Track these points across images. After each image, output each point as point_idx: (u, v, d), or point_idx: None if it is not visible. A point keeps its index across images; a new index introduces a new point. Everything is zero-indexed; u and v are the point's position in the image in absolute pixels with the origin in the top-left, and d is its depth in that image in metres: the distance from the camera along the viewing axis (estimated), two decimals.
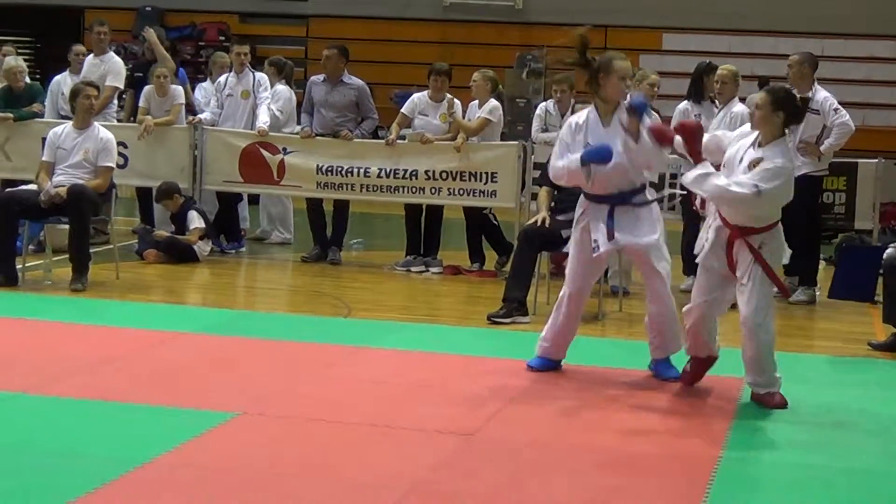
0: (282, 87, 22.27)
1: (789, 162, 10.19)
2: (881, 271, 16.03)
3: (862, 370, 14.26)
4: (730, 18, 29.98)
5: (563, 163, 11.57)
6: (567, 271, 12.30)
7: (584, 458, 10.52)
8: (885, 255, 15.82)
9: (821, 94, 17.84)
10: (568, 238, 15.57)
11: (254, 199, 23.54)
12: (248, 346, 14.21)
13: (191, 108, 21.95)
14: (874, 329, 15.74)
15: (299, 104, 22.12)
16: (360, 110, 20.58)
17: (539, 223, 16.53)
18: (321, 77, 20.95)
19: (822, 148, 17.71)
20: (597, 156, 11.15)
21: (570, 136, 11.57)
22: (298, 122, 21.26)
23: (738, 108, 17.71)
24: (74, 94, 18.42)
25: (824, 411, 12.15)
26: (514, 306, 16.20)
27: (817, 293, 18.38)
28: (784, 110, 9.77)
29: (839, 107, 17.81)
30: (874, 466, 10.59)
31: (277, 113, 21.17)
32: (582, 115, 11.64)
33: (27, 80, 22.14)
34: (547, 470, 9.88)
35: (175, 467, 9.29)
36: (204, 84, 22.63)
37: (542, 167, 17.03)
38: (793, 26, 28.47)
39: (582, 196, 12.00)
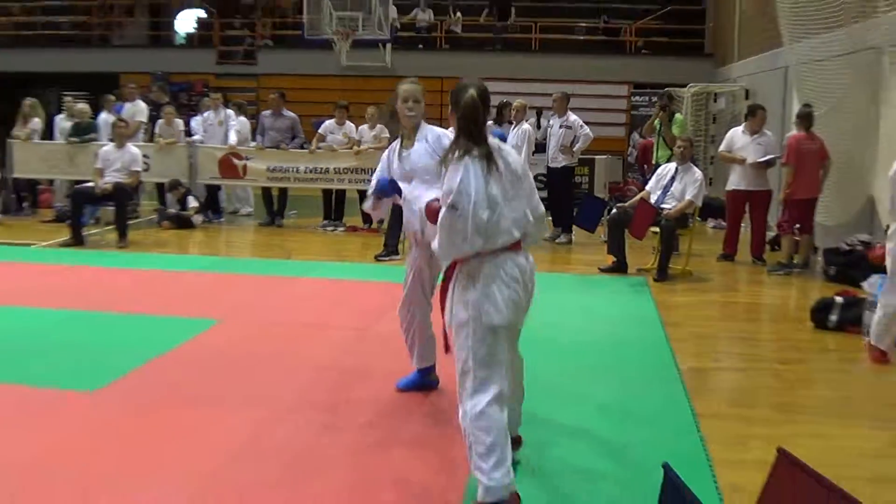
0: (242, 119, 22.96)
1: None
2: (606, 223, 17.27)
3: (593, 284, 15.34)
4: (517, 72, 31.28)
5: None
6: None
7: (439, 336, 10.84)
8: (610, 214, 17.17)
9: (572, 117, 19.46)
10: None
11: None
12: (226, 279, 15.54)
13: (188, 133, 22.72)
14: (605, 259, 16.61)
15: (253, 129, 22.98)
16: (294, 132, 21.77)
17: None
18: (269, 112, 21.98)
19: (574, 149, 19.28)
20: (379, 189, 8.91)
21: (386, 159, 9.15)
22: (253, 140, 22.32)
23: (525, 126, 19.15)
24: (114, 126, 19.93)
25: (572, 304, 13.63)
26: (391, 250, 17.60)
27: (573, 238, 19.55)
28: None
29: (584, 124, 19.28)
30: (601, 337, 11.82)
31: (236, 135, 21.86)
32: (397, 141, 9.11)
33: (88, 118, 22.59)
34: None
35: (185, 354, 10.67)
36: (196, 118, 23.11)
37: None
38: (555, 76, 29.39)
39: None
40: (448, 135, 8.20)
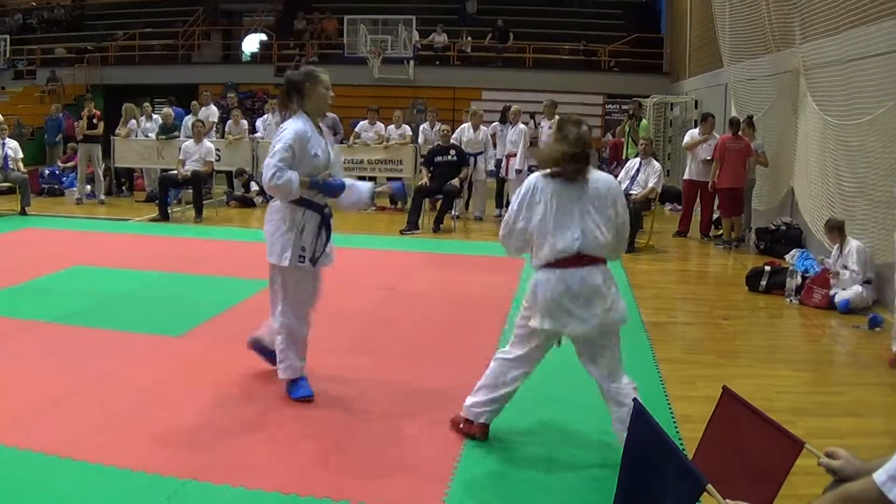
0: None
1: None
2: None
3: None
4: (514, 83, 31.21)
5: (289, 175, 7.09)
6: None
7: (454, 294, 12.02)
8: None
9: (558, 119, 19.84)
10: (437, 195, 17.90)
11: None
12: None
13: (251, 131, 22.61)
14: None
15: None
16: (335, 129, 20.94)
17: (424, 184, 17.87)
18: None
19: None
20: (330, 188, 7.47)
21: (300, 145, 7.13)
22: None
23: (522, 126, 19.27)
24: (193, 126, 20.19)
25: None
26: (412, 226, 17.53)
27: None
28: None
29: None
30: None
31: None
32: (306, 125, 7.26)
33: (173, 120, 22.69)
34: (437, 305, 11.34)
35: (250, 306, 10.83)
36: (259, 119, 23.01)
37: (424, 157, 18.72)
38: (544, 87, 29.19)
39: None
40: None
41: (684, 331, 10.58)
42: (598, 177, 6.19)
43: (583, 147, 6.04)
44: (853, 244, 11.99)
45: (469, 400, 6.67)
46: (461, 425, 6.72)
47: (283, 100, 7.59)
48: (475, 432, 6.63)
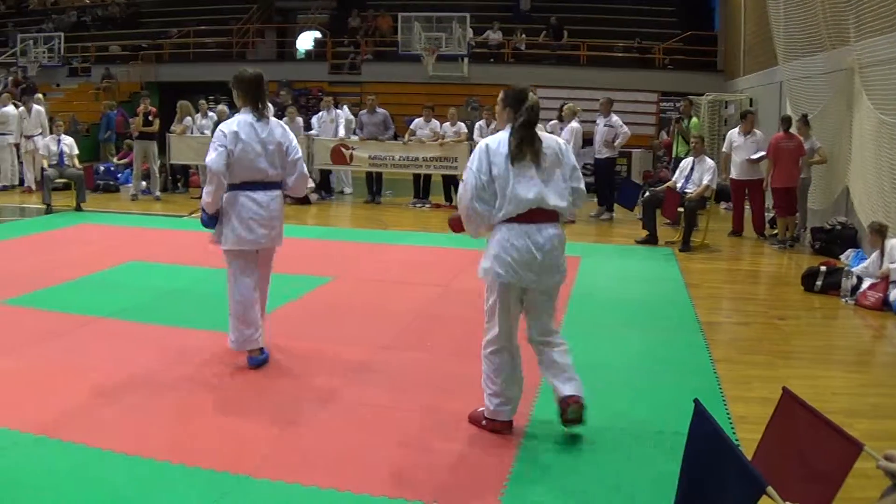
0: (351, 117, 22.77)
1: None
2: (641, 203, 17.31)
3: (630, 253, 15.37)
4: (568, 81, 30.88)
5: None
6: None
7: None
8: (644, 196, 17.23)
9: (615, 118, 19.41)
10: None
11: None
12: (337, 245, 15.64)
13: (307, 128, 22.60)
14: (640, 232, 16.52)
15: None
16: (386, 125, 21.68)
17: None
18: (365, 111, 22.14)
19: (615, 144, 19.25)
20: None
21: (227, 134, 7.99)
22: (355, 134, 22.17)
23: (574, 124, 19.12)
24: None
25: (612, 269, 13.76)
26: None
27: (614, 216, 19.58)
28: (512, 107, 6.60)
29: (623, 124, 19.30)
30: (637, 296, 12.01)
31: (345, 129, 22.14)
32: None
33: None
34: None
35: (309, 302, 11.07)
36: (315, 116, 23.03)
37: None
38: (598, 85, 29.05)
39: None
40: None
41: (740, 331, 10.51)
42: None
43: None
44: (892, 241, 12.06)
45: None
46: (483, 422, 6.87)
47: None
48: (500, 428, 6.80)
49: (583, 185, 6.87)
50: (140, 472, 5.88)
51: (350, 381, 7.97)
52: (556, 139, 6.81)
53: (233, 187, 8.23)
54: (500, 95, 6.82)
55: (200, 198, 8.61)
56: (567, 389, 6.68)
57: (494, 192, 6.50)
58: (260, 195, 8.32)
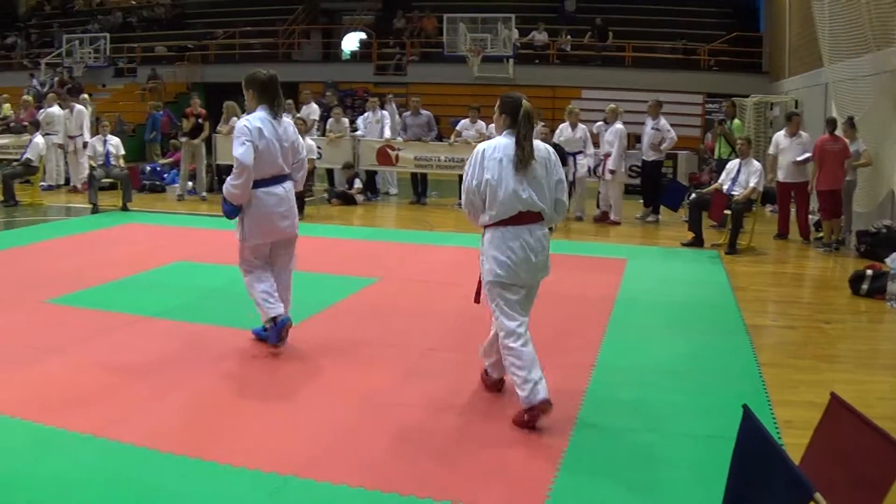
0: (396, 119, 23.11)
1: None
2: (687, 205, 17.53)
3: (675, 255, 15.32)
4: (613, 82, 30.90)
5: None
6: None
7: (554, 294, 12.72)
8: (690, 198, 17.40)
9: (662, 121, 19.28)
10: None
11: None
12: (383, 245, 15.60)
13: (352, 129, 22.79)
14: (686, 235, 16.58)
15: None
16: (429, 126, 21.86)
17: None
18: (409, 112, 22.32)
19: (661, 147, 19.18)
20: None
21: (252, 130, 8.35)
22: (399, 136, 22.39)
23: (619, 125, 19.00)
24: (294, 124, 20.72)
25: (658, 271, 13.77)
26: None
27: (659, 218, 19.50)
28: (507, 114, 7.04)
29: (670, 128, 19.20)
30: (683, 298, 11.96)
31: (390, 131, 22.31)
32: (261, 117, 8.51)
33: None
34: (535, 305, 11.85)
35: (354, 302, 11.07)
36: (360, 117, 23.15)
37: None
38: (643, 86, 28.99)
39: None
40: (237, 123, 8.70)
41: (786, 334, 10.46)
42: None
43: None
44: None
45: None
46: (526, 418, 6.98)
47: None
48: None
49: (565, 198, 7.28)
50: (187, 471, 5.94)
51: (394, 383, 7.99)
52: (548, 148, 7.25)
53: (253, 184, 8.61)
54: (498, 103, 7.21)
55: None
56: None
57: (486, 194, 6.91)
58: (278, 188, 8.72)
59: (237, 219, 8.82)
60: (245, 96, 8.82)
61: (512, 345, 7.00)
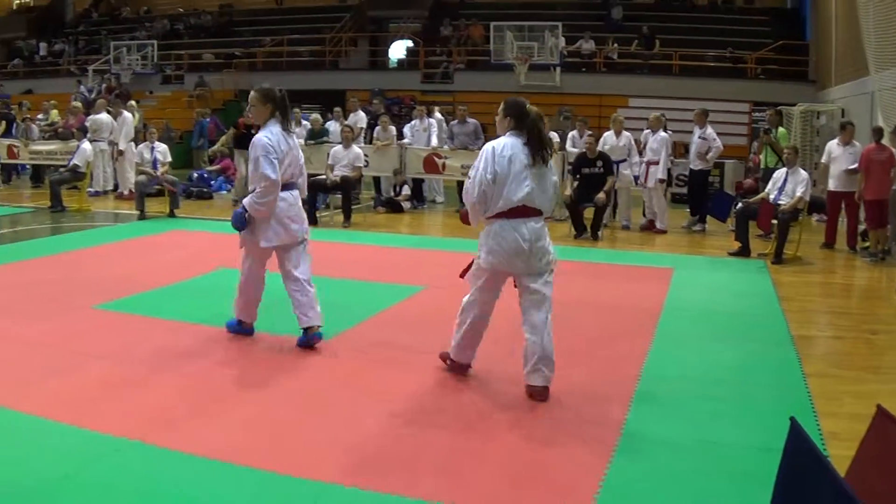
0: (444, 126, 23.26)
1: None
2: (734, 215, 17.36)
3: (722, 265, 15.21)
4: (661, 90, 30.83)
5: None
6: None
7: (602, 303, 11.25)
8: (738, 206, 17.16)
9: (709, 130, 19.12)
10: (584, 203, 17.75)
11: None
12: (429, 254, 15.76)
13: (399, 137, 22.77)
14: (732, 244, 16.47)
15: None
16: (476, 135, 21.86)
17: (570, 196, 17.79)
18: (456, 121, 22.44)
19: (708, 157, 19.02)
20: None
21: (276, 146, 9.01)
22: (445, 144, 22.46)
23: (662, 134, 18.98)
24: (342, 131, 20.29)
25: (705, 280, 13.72)
26: (582, 232, 17.84)
27: (706, 227, 19.39)
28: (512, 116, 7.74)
29: (716, 137, 19.02)
30: (729, 307, 11.94)
31: (437, 139, 22.46)
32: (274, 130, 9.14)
33: (320, 126, 23.36)
34: (584, 314, 10.99)
35: (401, 311, 11.12)
36: (407, 125, 23.24)
37: (571, 164, 18.81)
38: (690, 95, 29.24)
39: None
40: (256, 139, 9.24)
41: (832, 345, 10.44)
42: None
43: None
44: None
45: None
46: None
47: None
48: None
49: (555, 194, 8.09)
50: (232, 478, 5.96)
51: (442, 393, 7.99)
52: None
53: None
54: (501, 105, 7.90)
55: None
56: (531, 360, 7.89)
57: (493, 189, 7.63)
58: (288, 195, 9.27)
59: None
60: (255, 108, 9.37)
61: (463, 312, 8.31)
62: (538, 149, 7.68)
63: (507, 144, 7.66)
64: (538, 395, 7.78)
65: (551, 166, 7.91)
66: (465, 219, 8.20)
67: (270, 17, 43.58)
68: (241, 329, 9.70)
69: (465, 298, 8.29)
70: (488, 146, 7.73)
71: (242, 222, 9.15)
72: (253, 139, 9.29)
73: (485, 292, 8.14)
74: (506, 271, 7.94)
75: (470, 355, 8.48)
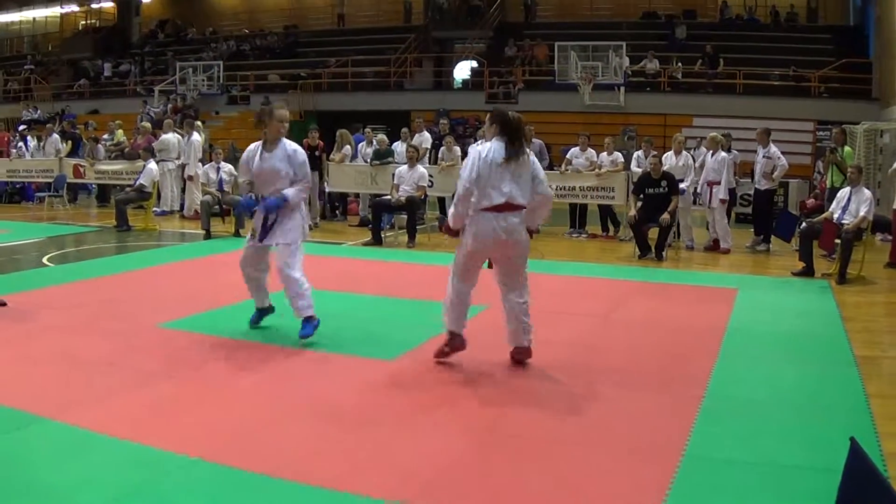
0: None
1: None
2: (798, 234, 17.28)
3: (786, 285, 15.12)
4: (725, 109, 30.74)
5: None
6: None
7: (666, 324, 11.96)
8: (802, 226, 17.09)
9: (773, 149, 19.09)
10: (648, 223, 17.68)
11: None
12: (490, 273, 15.23)
13: (464, 157, 23.57)
14: (797, 264, 16.30)
15: None
16: (541, 155, 20.86)
17: (634, 216, 17.70)
18: None
19: (773, 176, 18.94)
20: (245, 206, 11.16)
21: (248, 158, 10.62)
22: None
23: (723, 154, 18.99)
24: (407, 151, 20.41)
25: (769, 300, 13.54)
26: (646, 252, 17.71)
27: (770, 247, 19.32)
28: (497, 123, 8.69)
29: (781, 155, 19.01)
30: (793, 328, 11.84)
31: None
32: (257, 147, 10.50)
33: (386, 146, 23.62)
34: (647, 334, 11.17)
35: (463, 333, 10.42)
36: (472, 146, 23.61)
37: (635, 184, 18.59)
38: (754, 114, 29.11)
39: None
40: (299, 148, 10.56)
41: (894, 365, 10.33)
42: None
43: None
44: None
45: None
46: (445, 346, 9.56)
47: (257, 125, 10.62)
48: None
49: (547, 190, 9.13)
50: (299, 498, 5.96)
51: (507, 411, 7.96)
52: (530, 153, 9.06)
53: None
54: (488, 115, 9.06)
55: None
56: (511, 339, 9.50)
57: (476, 187, 8.67)
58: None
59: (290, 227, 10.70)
60: (275, 125, 10.32)
61: (451, 281, 9.46)
62: (515, 146, 8.63)
63: (491, 149, 8.65)
64: (517, 354, 9.43)
65: (533, 160, 8.95)
66: (448, 230, 9.51)
67: (334, 38, 43.86)
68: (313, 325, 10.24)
69: (451, 282, 9.46)
70: (475, 151, 8.80)
71: (251, 204, 10.93)
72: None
73: (466, 268, 9.30)
74: (484, 253, 9.14)
75: (462, 324, 9.58)
